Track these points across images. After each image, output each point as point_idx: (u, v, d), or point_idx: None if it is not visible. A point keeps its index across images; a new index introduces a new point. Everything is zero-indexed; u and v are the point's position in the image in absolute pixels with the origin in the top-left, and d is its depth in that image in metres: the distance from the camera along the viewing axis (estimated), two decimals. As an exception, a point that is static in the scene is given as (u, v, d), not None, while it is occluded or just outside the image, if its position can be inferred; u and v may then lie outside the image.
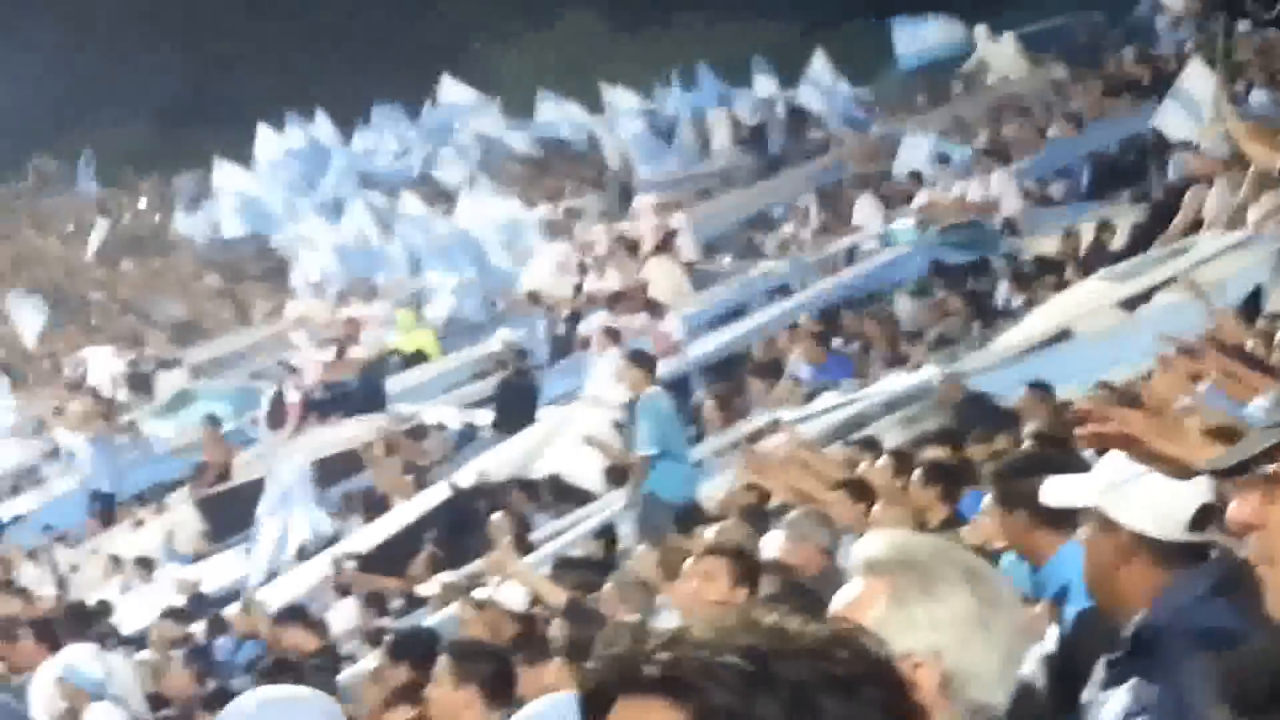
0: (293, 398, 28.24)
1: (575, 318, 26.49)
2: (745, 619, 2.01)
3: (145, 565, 22.20)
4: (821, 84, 38.26)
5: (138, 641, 18.28)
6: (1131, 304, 18.61)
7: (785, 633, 1.98)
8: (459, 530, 18.51)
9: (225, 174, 45.33)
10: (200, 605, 19.33)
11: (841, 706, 1.94)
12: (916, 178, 28.54)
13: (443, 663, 7.28)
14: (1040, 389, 14.31)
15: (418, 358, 30.13)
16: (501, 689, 6.99)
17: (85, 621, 14.86)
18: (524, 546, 16.58)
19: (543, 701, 5.83)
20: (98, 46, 59.26)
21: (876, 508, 10.03)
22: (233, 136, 47.08)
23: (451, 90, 45.63)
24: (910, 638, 3.03)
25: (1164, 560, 4.07)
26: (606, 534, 16.63)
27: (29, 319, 41.17)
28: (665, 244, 29.59)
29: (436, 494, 20.11)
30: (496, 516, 16.94)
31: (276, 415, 28.20)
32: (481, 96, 45.73)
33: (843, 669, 1.96)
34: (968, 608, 3.05)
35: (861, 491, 10.28)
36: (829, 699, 1.94)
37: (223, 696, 11.73)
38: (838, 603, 3.16)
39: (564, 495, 19.12)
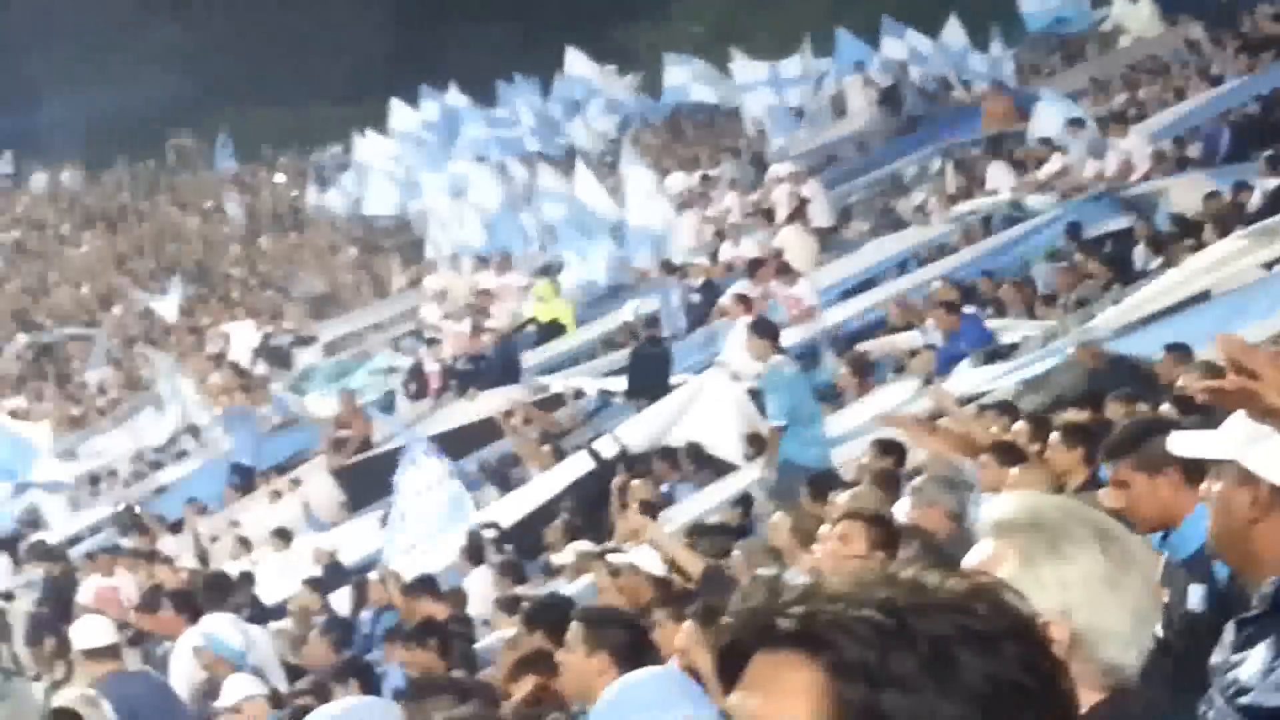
0: (431, 368, 28.41)
1: (710, 286, 26.38)
2: (883, 574, 1.98)
3: (283, 536, 22.40)
4: (954, 46, 37.96)
5: (277, 612, 18.47)
6: (1270, 264, 18.34)
7: (924, 587, 1.95)
8: (596, 500, 18.54)
9: (362, 148, 45.62)
10: (338, 575, 19.49)
11: (980, 661, 1.91)
12: (1049, 143, 28.27)
13: (575, 630, 7.24)
14: (1179, 350, 14.13)
15: (554, 328, 30.15)
16: (634, 655, 6.93)
17: (225, 592, 15.00)
18: (655, 513, 16.60)
19: (643, 673, 5.81)
20: (234, 27, 59.97)
21: (1014, 471, 9.94)
22: (367, 112, 47.41)
23: (578, 63, 45.65)
24: (1039, 598, 2.94)
25: None
26: (745, 502, 16.59)
27: (170, 296, 41.67)
28: (799, 211, 29.51)
29: (576, 464, 20.14)
30: (636, 483, 16.95)
31: (416, 387, 28.38)
32: (609, 68, 45.75)
33: (982, 624, 1.93)
34: (1097, 567, 3.00)
35: (1011, 454, 10.20)
36: (968, 654, 1.91)
37: (357, 667, 11.81)
38: (968, 564, 3.11)
39: (702, 464, 19.09)
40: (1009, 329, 20.17)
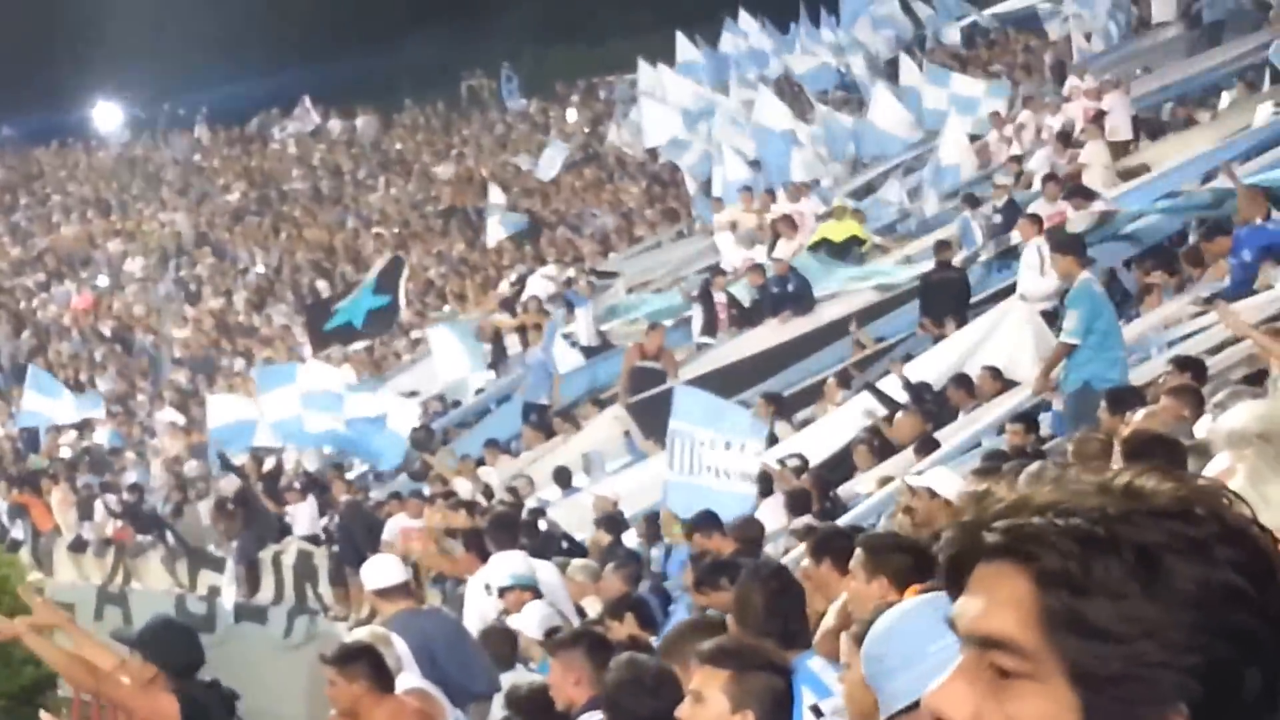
0: (720, 299, 28.19)
1: (1013, 205, 25.69)
2: (1099, 480, 1.98)
3: (564, 478, 22.51)
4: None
5: (575, 550, 18.44)
6: None
7: (1138, 493, 1.95)
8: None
9: (649, 80, 45.54)
10: (622, 519, 19.32)
11: (1190, 566, 1.91)
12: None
13: (857, 556, 7.10)
14: None
15: (849, 245, 29.70)
16: (916, 580, 6.71)
17: (514, 531, 14.98)
18: (931, 447, 16.27)
19: (915, 600, 5.55)
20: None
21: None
22: (653, 46, 47.39)
23: None
24: (1264, 516, 2.71)
25: None
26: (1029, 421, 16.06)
27: (494, 228, 42.00)
28: (1098, 124, 28.78)
29: (864, 403, 19.90)
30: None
31: (709, 319, 28.17)
32: None
33: (1196, 530, 1.92)
34: None
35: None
36: (1177, 559, 1.91)
37: (631, 602, 11.68)
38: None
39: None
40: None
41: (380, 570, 11.47)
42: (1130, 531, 1.93)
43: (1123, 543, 1.92)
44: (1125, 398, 12.30)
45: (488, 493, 22.89)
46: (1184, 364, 12.74)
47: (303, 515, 26.13)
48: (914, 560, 7.04)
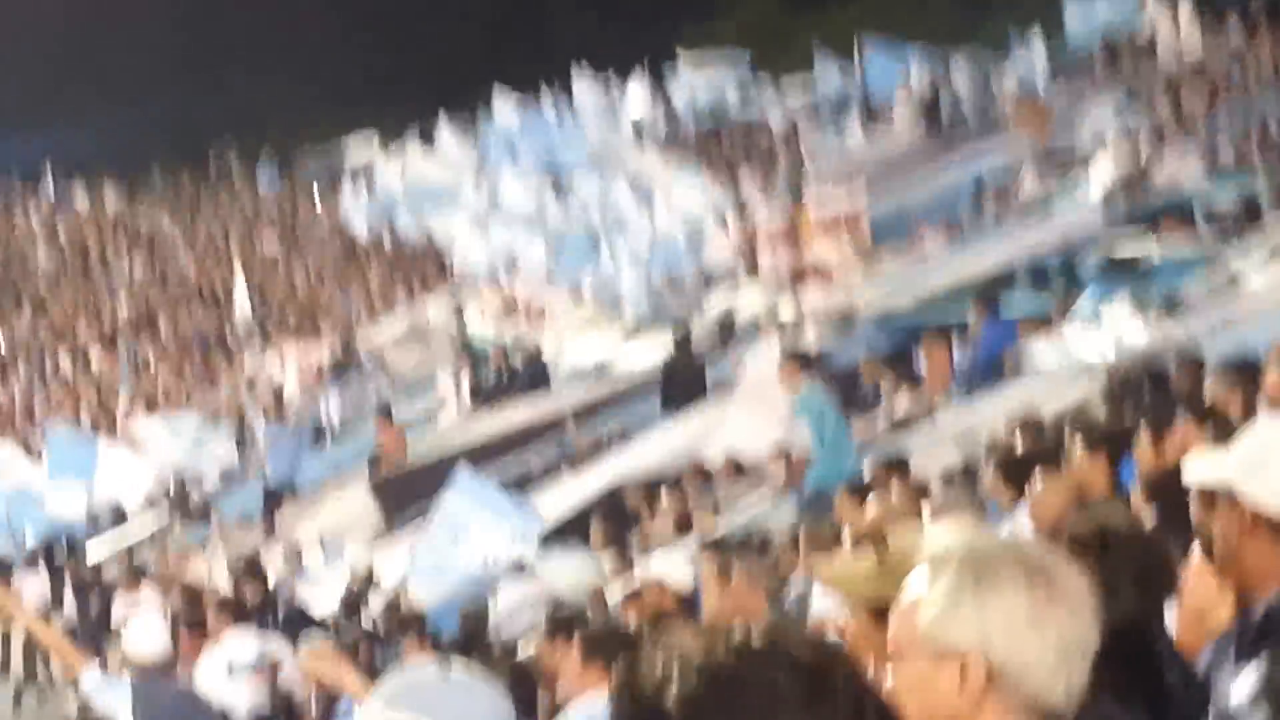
0: (466, 382, 28.46)
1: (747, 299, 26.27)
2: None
3: (318, 552, 22.59)
4: (989, 56, 38.12)
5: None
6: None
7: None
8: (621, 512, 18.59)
9: (396, 163, 45.74)
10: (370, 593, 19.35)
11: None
12: (1098, 143, 28.06)
13: (575, 641, 7.62)
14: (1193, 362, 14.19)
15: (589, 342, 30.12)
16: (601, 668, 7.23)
17: (244, 610, 14.99)
18: (686, 526, 16.58)
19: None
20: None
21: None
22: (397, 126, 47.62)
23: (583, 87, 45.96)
24: (958, 632, 3.03)
25: None
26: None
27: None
28: (839, 224, 29.45)
29: (604, 475, 20.18)
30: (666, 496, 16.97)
31: (454, 400, 28.49)
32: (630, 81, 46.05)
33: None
34: (1020, 603, 3.02)
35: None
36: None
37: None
38: (905, 592, 3.14)
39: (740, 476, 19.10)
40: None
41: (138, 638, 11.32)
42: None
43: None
44: (859, 489, 12.86)
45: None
46: (890, 464, 13.36)
47: (30, 588, 25.75)
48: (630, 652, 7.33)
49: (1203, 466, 4.23)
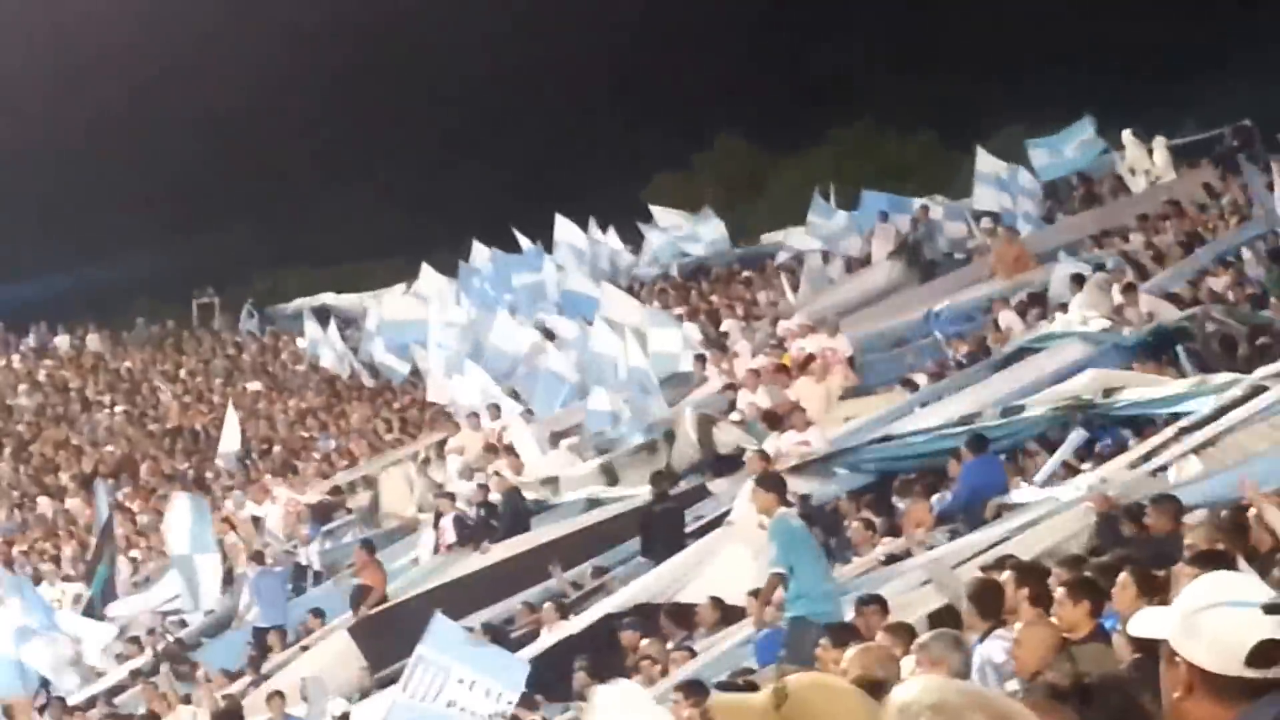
0: (446, 522, 28.45)
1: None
2: None
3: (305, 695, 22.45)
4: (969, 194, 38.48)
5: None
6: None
7: None
8: (607, 653, 18.55)
9: (382, 303, 45.90)
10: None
11: None
12: (1074, 283, 28.19)
13: None
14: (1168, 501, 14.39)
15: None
16: None
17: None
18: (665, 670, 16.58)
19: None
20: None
21: (1018, 626, 9.97)
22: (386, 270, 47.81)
23: (565, 229, 46.28)
24: None
25: (1223, 695, 3.97)
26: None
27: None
28: (818, 363, 29.51)
29: (585, 620, 20.14)
30: (646, 641, 16.93)
31: (434, 540, 28.51)
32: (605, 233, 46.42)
33: None
34: None
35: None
36: None
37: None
38: None
39: (726, 617, 19.09)
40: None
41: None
42: None
43: None
44: (843, 633, 12.96)
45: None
46: (868, 600, 13.43)
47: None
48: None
49: (1144, 623, 4.26)
